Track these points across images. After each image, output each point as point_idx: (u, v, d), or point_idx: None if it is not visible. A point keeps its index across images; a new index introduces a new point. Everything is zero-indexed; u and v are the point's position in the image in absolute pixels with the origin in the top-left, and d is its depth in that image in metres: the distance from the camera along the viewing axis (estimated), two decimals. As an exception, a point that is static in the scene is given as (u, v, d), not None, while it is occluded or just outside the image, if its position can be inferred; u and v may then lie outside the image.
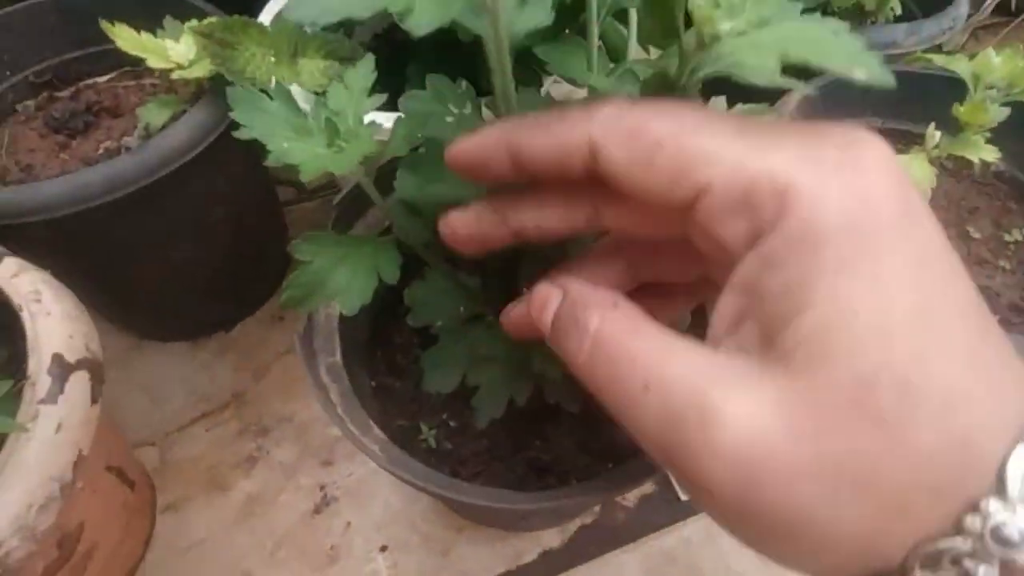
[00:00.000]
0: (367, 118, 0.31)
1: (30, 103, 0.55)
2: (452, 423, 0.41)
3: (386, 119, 0.32)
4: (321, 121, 0.29)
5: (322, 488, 0.52)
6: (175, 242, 0.51)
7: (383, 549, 0.49)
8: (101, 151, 0.51)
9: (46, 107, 0.55)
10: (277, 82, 0.31)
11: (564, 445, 0.39)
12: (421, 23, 0.18)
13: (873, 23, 0.51)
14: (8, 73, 0.53)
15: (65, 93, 0.56)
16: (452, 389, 0.35)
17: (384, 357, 0.43)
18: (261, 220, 0.61)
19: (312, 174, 0.26)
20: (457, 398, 0.38)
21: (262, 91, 0.29)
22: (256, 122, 0.28)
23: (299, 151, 0.28)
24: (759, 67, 0.17)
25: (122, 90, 0.56)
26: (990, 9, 0.92)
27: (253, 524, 0.51)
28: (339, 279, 0.31)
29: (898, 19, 0.55)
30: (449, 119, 0.30)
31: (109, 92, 0.56)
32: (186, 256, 0.53)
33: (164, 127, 0.46)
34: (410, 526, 0.50)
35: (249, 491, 0.52)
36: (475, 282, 0.36)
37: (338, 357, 0.38)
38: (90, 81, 0.56)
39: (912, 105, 0.48)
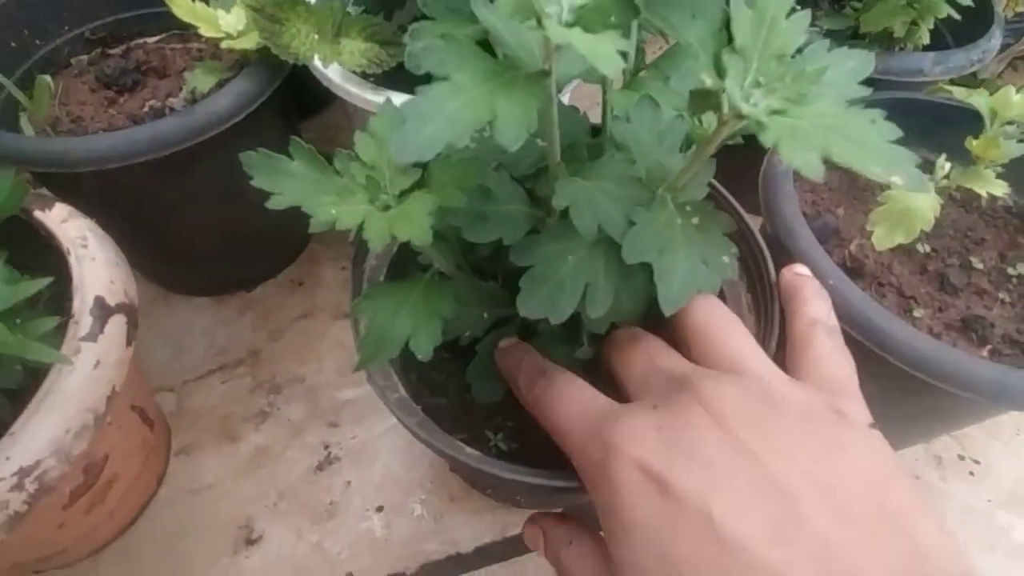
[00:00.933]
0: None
1: (83, 58, 0.58)
2: (509, 423, 0.42)
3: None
4: (356, 176, 0.28)
5: (326, 447, 0.55)
6: (209, 202, 0.53)
7: (379, 510, 0.52)
8: (147, 108, 0.54)
9: (98, 63, 0.57)
10: (295, 141, 0.28)
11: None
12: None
13: (901, 49, 0.52)
14: (66, 28, 0.56)
15: (117, 51, 0.59)
16: (500, 396, 0.37)
17: (422, 380, 0.43)
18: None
19: (379, 244, 0.25)
20: (504, 402, 0.40)
21: (279, 152, 0.28)
22: (285, 187, 0.27)
23: (351, 215, 0.26)
24: (804, 166, 0.18)
25: (170, 52, 0.58)
26: (1031, 41, 0.92)
27: (259, 475, 0.54)
28: (402, 328, 0.31)
29: (928, 47, 0.55)
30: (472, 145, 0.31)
31: (157, 53, 0.58)
32: (218, 217, 0.56)
33: (209, 93, 0.49)
34: (406, 491, 0.53)
35: (258, 443, 0.56)
36: (494, 286, 0.37)
37: (402, 391, 0.38)
38: (140, 41, 0.59)
39: (932, 134, 0.49)
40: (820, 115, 0.19)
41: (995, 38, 0.55)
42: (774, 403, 0.22)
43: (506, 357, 0.33)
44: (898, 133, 0.19)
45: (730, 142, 0.24)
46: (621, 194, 0.24)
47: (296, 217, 0.55)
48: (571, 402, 0.27)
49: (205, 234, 0.57)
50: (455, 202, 0.27)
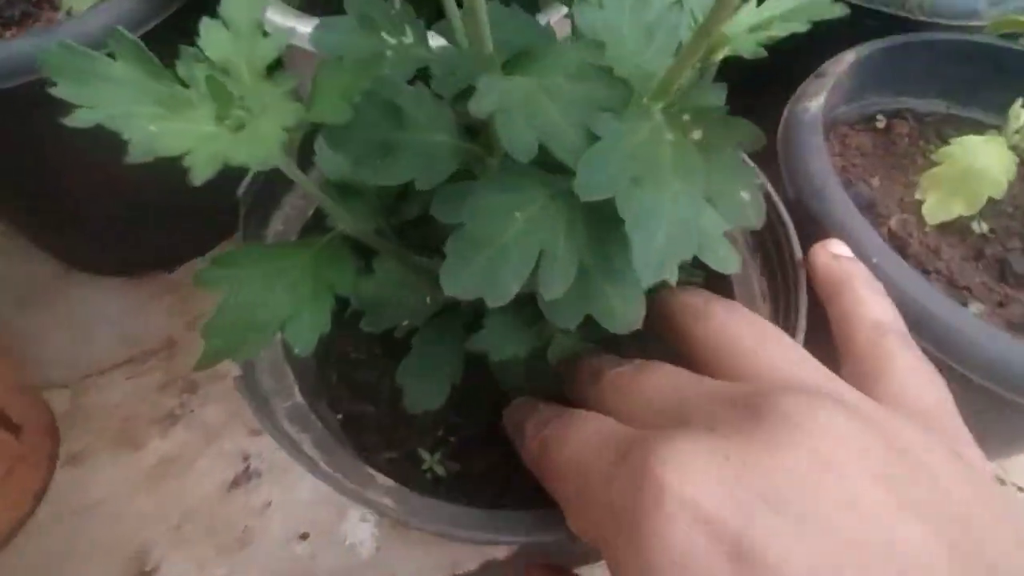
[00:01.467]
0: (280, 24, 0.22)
1: (-37, -16, 0.48)
2: (452, 438, 0.33)
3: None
4: (201, 85, 0.19)
5: (246, 459, 0.46)
6: (101, 154, 0.43)
7: (303, 537, 0.43)
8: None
9: (-20, -10, 0.48)
10: (121, 33, 0.19)
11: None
12: None
13: (952, -12, 0.43)
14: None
15: (5, -20, 0.49)
16: (441, 403, 0.28)
17: (343, 380, 0.34)
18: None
19: (207, 172, 0.17)
20: (449, 408, 0.30)
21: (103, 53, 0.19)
22: (99, 97, 0.18)
23: (177, 136, 0.18)
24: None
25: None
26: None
27: (161, 490, 0.44)
28: (277, 308, 0.22)
29: None
30: (388, 54, 0.22)
31: (55, -17, 0.49)
32: (129, 175, 0.46)
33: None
34: (339, 514, 0.44)
35: (163, 452, 0.46)
36: (438, 264, 0.28)
37: (298, 397, 0.29)
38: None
39: (987, 87, 0.40)
40: None
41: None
42: (893, 442, 0.15)
43: (515, 411, 0.26)
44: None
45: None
46: (578, 94, 0.15)
47: (231, 183, 0.41)
48: (588, 430, 0.19)
49: (113, 196, 0.48)
50: (336, 117, 0.18)
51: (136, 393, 0.49)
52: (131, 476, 0.45)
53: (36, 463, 0.43)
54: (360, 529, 0.43)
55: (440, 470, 0.31)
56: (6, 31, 0.46)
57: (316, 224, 0.34)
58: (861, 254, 0.28)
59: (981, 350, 0.27)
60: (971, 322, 0.27)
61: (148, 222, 0.52)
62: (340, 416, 0.34)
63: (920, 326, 0.27)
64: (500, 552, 0.43)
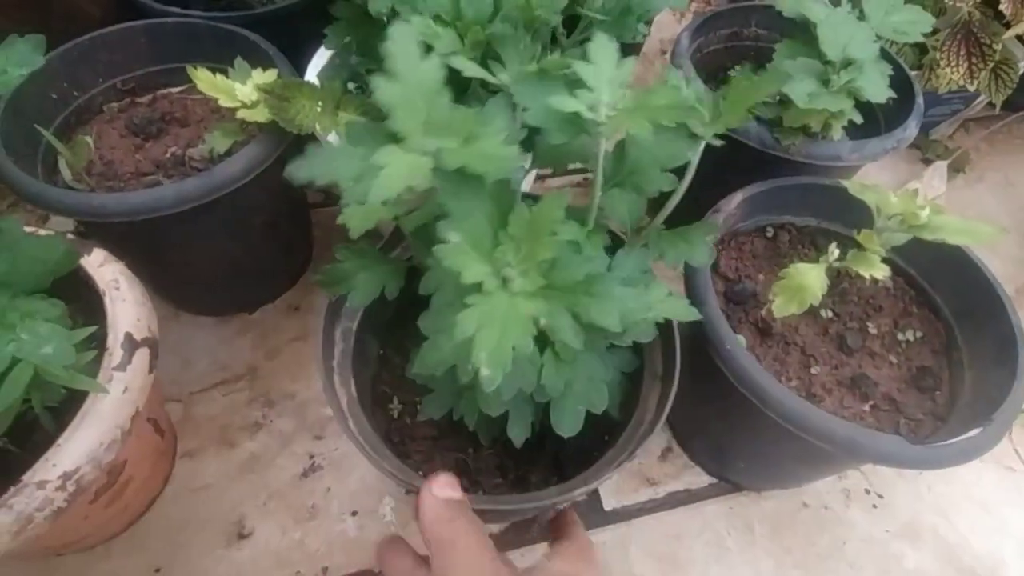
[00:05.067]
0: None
1: (115, 105, 0.66)
2: (419, 404, 0.51)
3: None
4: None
5: (311, 457, 0.63)
6: (221, 241, 0.61)
7: (354, 514, 0.60)
8: (168, 155, 0.62)
9: (128, 110, 0.66)
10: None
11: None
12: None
13: (823, 138, 0.60)
14: (101, 81, 0.64)
15: (144, 99, 0.67)
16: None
17: (398, 338, 0.55)
18: (291, 223, 0.72)
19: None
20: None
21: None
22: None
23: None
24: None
25: (191, 102, 0.67)
26: (980, 105, 1.01)
27: (252, 478, 0.62)
28: (356, 281, 0.44)
29: (862, 127, 0.63)
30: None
31: (180, 103, 0.66)
32: (227, 250, 0.64)
33: (227, 152, 0.57)
34: (378, 498, 0.61)
35: (252, 450, 0.64)
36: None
37: (354, 325, 0.50)
38: (166, 91, 0.67)
39: (845, 212, 0.57)
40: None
41: (911, 128, 0.63)
42: None
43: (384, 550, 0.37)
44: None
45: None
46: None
47: (293, 249, 0.67)
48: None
49: (214, 265, 0.66)
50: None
51: (230, 407, 0.66)
52: (230, 467, 0.63)
53: (168, 456, 0.60)
54: (394, 511, 0.61)
55: (395, 415, 0.51)
56: (146, 143, 0.64)
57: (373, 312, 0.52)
58: (719, 339, 0.46)
59: (783, 406, 0.44)
60: (778, 387, 0.45)
61: (236, 280, 0.69)
62: (381, 352, 0.55)
63: (750, 389, 0.45)
64: (494, 528, 0.60)
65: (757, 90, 0.34)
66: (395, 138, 0.30)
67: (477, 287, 0.28)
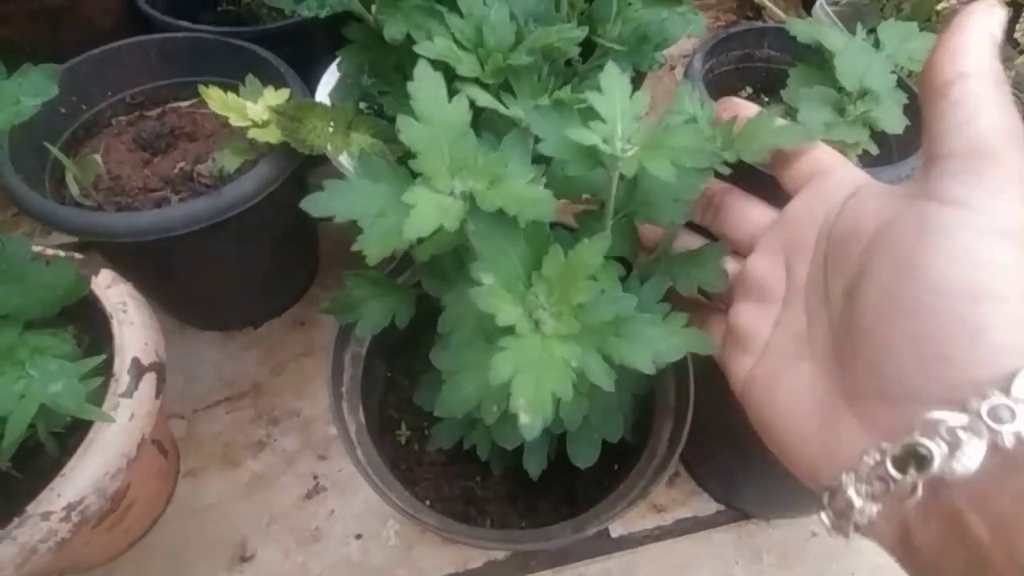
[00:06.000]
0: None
1: (123, 119, 0.65)
2: (427, 430, 0.51)
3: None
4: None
5: (315, 478, 0.63)
6: (228, 258, 0.61)
7: (358, 537, 0.60)
8: (177, 170, 0.61)
9: (136, 124, 0.65)
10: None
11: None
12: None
13: (837, 165, 0.59)
14: (109, 94, 0.64)
15: (153, 113, 0.66)
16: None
17: (405, 360, 0.55)
18: (299, 238, 0.71)
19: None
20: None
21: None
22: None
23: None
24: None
25: (200, 116, 0.66)
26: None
27: (255, 499, 0.61)
28: (366, 309, 0.43)
29: (878, 157, 0.62)
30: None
31: (189, 117, 0.66)
32: (234, 267, 0.64)
33: (237, 169, 0.57)
34: (382, 521, 0.61)
35: (255, 470, 0.63)
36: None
37: (363, 350, 0.50)
38: (175, 105, 0.67)
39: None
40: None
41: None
42: None
43: None
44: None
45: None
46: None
47: (299, 263, 0.66)
48: None
49: (221, 281, 0.65)
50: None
51: (234, 424, 0.66)
52: (233, 487, 0.62)
53: (171, 476, 0.60)
54: (399, 534, 0.60)
55: (403, 441, 0.52)
56: (154, 158, 0.63)
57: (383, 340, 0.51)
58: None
59: None
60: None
61: (242, 296, 0.69)
62: (389, 375, 0.56)
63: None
64: (500, 555, 0.59)
65: (777, 137, 0.34)
66: (418, 175, 0.29)
67: (510, 329, 0.27)
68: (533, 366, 0.26)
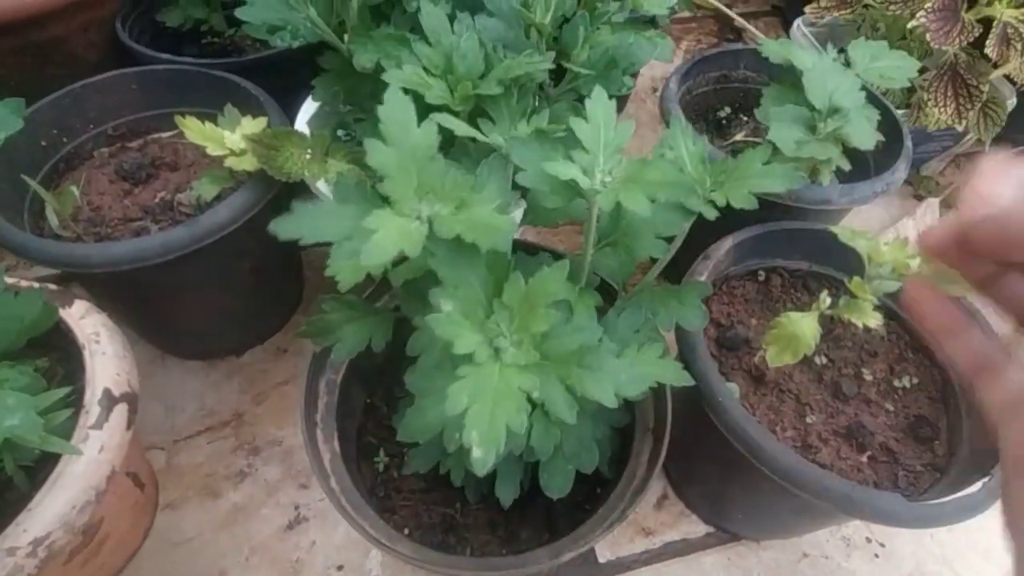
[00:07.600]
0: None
1: (105, 150, 0.66)
2: (406, 456, 0.50)
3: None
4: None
5: (297, 508, 0.62)
6: (208, 287, 0.61)
7: (340, 568, 0.58)
8: (157, 200, 0.62)
9: (118, 155, 0.65)
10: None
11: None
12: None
13: (813, 182, 0.60)
14: (91, 126, 0.64)
15: (135, 144, 0.67)
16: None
17: (385, 386, 0.55)
18: (281, 266, 0.71)
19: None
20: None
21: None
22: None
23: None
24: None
25: (181, 147, 0.67)
26: (971, 142, 1.01)
27: (235, 531, 0.60)
28: (342, 333, 0.43)
29: (851, 172, 0.63)
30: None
31: (171, 148, 0.66)
32: (214, 296, 0.64)
33: (216, 197, 0.57)
34: (364, 552, 0.59)
35: (236, 501, 0.62)
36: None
37: (339, 377, 0.50)
38: (157, 135, 0.67)
39: (836, 255, 0.56)
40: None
41: (899, 171, 0.63)
42: None
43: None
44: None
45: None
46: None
47: (282, 291, 0.66)
48: None
49: (201, 310, 0.65)
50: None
51: (215, 455, 0.65)
52: (212, 519, 0.61)
53: (149, 509, 0.59)
54: (382, 564, 0.59)
55: (380, 468, 0.51)
56: (135, 188, 0.64)
57: (356, 367, 0.51)
58: (711, 390, 0.45)
59: (777, 462, 0.43)
60: (773, 443, 0.44)
61: (224, 325, 0.69)
62: (368, 400, 0.55)
63: (743, 443, 0.44)
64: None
65: (763, 179, 0.34)
66: (386, 199, 0.30)
67: (468, 357, 0.27)
68: (489, 397, 0.26)
